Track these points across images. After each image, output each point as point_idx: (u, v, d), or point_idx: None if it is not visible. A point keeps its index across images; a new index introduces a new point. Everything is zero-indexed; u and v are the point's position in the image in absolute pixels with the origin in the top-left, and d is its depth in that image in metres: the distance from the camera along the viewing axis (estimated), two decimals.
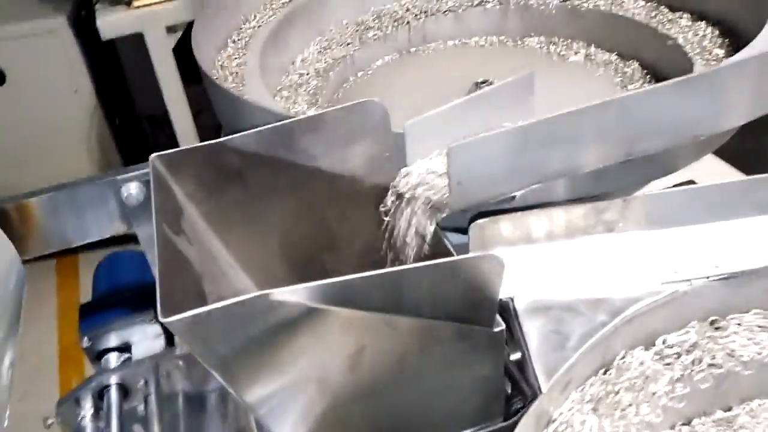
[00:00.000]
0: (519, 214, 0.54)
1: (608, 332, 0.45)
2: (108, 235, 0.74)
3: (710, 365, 0.49)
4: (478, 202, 0.58)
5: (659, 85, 0.58)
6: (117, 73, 2.74)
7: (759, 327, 0.51)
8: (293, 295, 0.44)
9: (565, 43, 1.10)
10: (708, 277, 0.51)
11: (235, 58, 0.97)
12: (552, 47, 1.10)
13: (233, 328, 0.44)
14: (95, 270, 1.02)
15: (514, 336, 0.50)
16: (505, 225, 0.53)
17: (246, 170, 0.62)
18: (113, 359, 0.88)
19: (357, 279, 0.44)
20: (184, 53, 2.07)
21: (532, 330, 0.49)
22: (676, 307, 0.49)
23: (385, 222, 0.62)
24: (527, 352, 0.48)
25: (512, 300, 0.51)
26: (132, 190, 0.73)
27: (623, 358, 0.49)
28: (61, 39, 2.31)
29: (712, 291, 0.51)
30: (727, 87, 0.60)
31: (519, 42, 1.13)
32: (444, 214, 0.59)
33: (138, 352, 0.89)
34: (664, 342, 0.50)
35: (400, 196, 0.63)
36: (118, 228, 0.76)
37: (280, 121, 0.63)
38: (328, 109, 0.62)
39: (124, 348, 0.90)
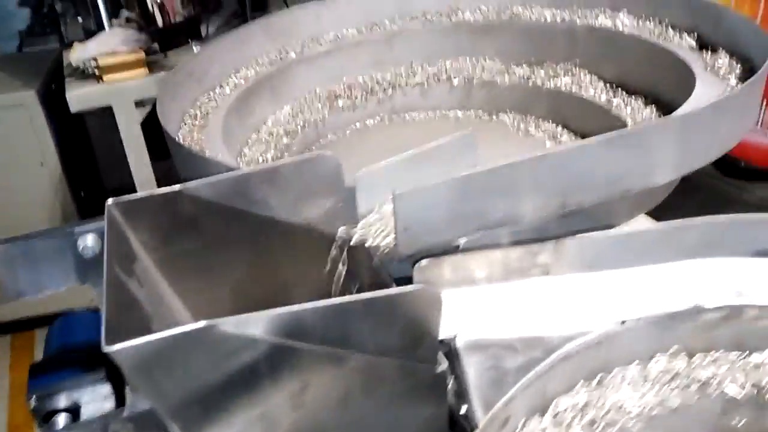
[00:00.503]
0: (460, 256, 0.56)
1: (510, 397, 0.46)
2: (63, 288, 0.75)
3: (607, 424, 0.50)
4: (423, 248, 0.61)
5: (589, 140, 0.62)
6: (84, 146, 2.77)
7: (643, 379, 0.53)
8: (238, 325, 0.45)
9: (535, 120, 1.16)
10: (638, 318, 0.54)
11: (206, 111, 1.02)
12: (522, 124, 1.16)
13: (179, 361, 0.45)
14: (48, 330, 1.01)
15: (455, 372, 0.52)
16: (447, 267, 0.56)
17: (201, 219, 0.64)
18: (61, 420, 0.86)
19: (300, 310, 0.46)
20: (152, 129, 2.12)
21: (471, 365, 0.51)
22: (562, 368, 0.51)
23: (335, 269, 0.64)
24: (467, 385, 0.49)
25: (454, 338, 0.53)
26: (88, 242, 0.74)
27: (524, 427, 0.50)
28: (30, 112, 2.35)
29: (641, 331, 0.53)
30: (652, 144, 0.65)
31: (494, 117, 1.20)
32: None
33: (87, 413, 0.87)
34: (557, 406, 0.52)
35: (345, 244, 0.65)
36: (73, 282, 0.76)
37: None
38: (282, 160, 0.65)
39: (74, 409, 0.88)
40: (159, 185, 2.34)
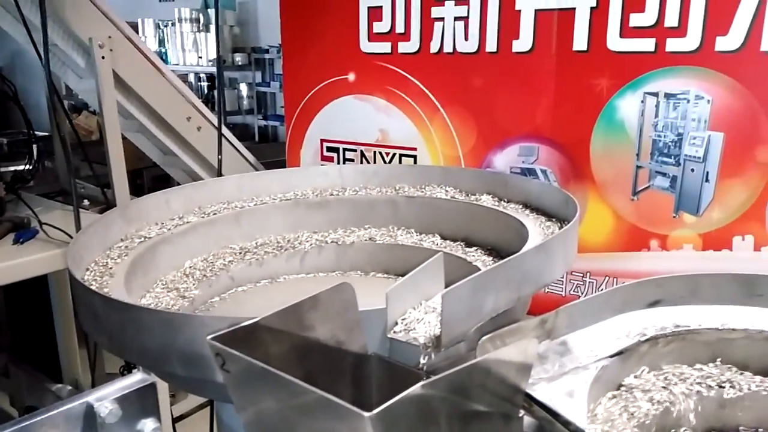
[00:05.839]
0: (508, 328, 0.75)
1: None
2: None
3: None
4: (454, 337, 0.78)
5: (529, 248, 0.90)
6: None
7: None
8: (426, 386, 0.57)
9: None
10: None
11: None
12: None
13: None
14: None
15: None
16: (506, 338, 0.74)
17: (270, 348, 0.71)
18: None
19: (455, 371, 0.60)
20: None
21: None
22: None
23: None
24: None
25: None
26: (109, 407, 0.72)
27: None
28: None
29: None
30: (554, 250, 0.96)
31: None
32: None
33: None
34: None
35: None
36: None
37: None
38: (323, 291, 0.77)
39: None
40: None
